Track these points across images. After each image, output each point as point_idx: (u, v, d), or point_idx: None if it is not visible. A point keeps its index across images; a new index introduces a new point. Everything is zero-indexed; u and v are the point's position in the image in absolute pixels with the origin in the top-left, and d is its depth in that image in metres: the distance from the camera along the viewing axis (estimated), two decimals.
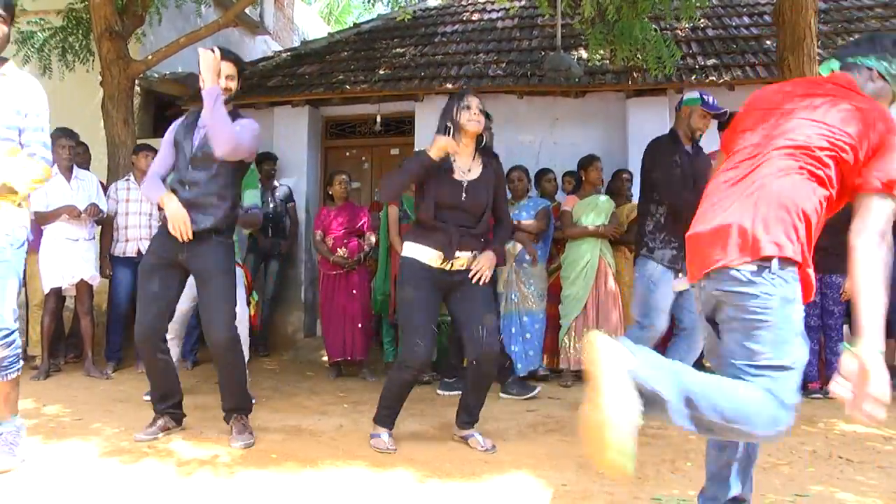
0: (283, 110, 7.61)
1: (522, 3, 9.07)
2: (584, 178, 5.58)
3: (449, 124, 3.37)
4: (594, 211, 5.31)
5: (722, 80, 6.51)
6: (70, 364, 5.58)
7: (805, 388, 4.76)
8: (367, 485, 2.79)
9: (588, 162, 5.55)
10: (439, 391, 4.87)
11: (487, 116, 3.49)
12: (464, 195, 3.35)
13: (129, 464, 2.96)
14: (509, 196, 5.62)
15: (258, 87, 7.83)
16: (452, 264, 3.34)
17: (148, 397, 3.99)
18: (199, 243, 3.34)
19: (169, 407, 3.52)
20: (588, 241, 5.28)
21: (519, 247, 5.38)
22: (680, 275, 3.87)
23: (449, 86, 7.11)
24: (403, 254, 3.43)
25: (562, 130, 7.13)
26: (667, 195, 3.94)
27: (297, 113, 7.55)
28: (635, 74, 6.84)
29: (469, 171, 3.41)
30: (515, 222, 5.41)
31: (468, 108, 3.36)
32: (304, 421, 3.85)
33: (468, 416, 3.46)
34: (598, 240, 5.28)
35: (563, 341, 5.29)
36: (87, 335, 5.29)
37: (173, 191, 3.36)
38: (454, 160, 3.39)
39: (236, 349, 3.41)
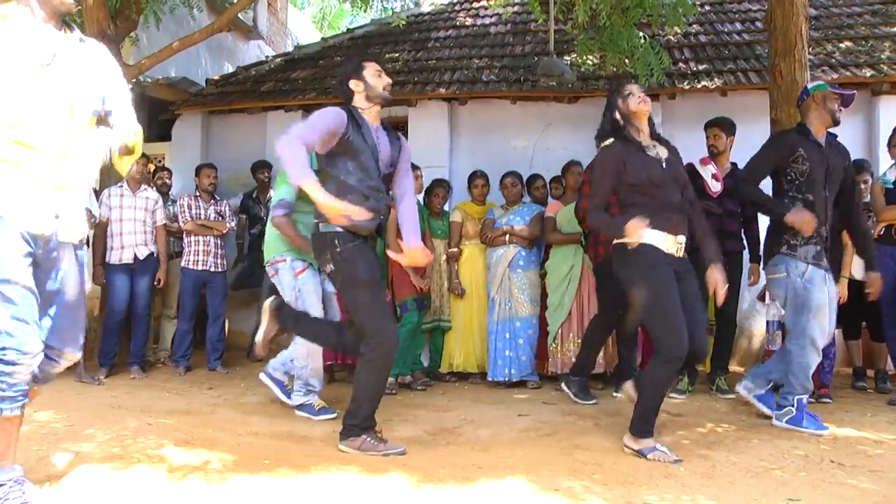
0: (276, 115, 7.61)
1: (515, 8, 9.10)
2: (564, 184, 5.61)
3: (618, 117, 3.40)
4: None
5: (714, 86, 6.54)
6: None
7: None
8: (360, 491, 2.78)
9: (566, 168, 5.58)
10: (568, 390, 4.74)
11: None
12: (663, 167, 3.33)
13: (121, 470, 2.94)
14: (503, 202, 5.66)
15: (251, 92, 7.84)
16: (680, 248, 3.29)
17: (329, 415, 4.03)
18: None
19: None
20: (571, 248, 5.29)
21: (513, 251, 5.40)
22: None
23: (442, 90, 7.13)
24: (642, 241, 3.22)
25: (555, 135, 7.16)
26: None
27: (291, 118, 7.55)
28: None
29: (657, 150, 3.40)
30: (509, 227, 5.43)
31: (632, 94, 3.38)
32: (296, 426, 3.84)
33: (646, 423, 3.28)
34: (579, 246, 5.28)
35: (551, 347, 5.30)
36: None
37: (360, 196, 3.26)
38: (643, 144, 3.38)
39: None
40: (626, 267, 3.32)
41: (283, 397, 4.30)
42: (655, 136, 3.48)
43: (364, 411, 3.31)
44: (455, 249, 5.64)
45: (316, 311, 4.17)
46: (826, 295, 3.82)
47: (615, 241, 3.35)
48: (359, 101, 3.40)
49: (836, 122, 3.95)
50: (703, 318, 3.33)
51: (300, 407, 4.17)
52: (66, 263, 2.47)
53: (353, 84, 3.39)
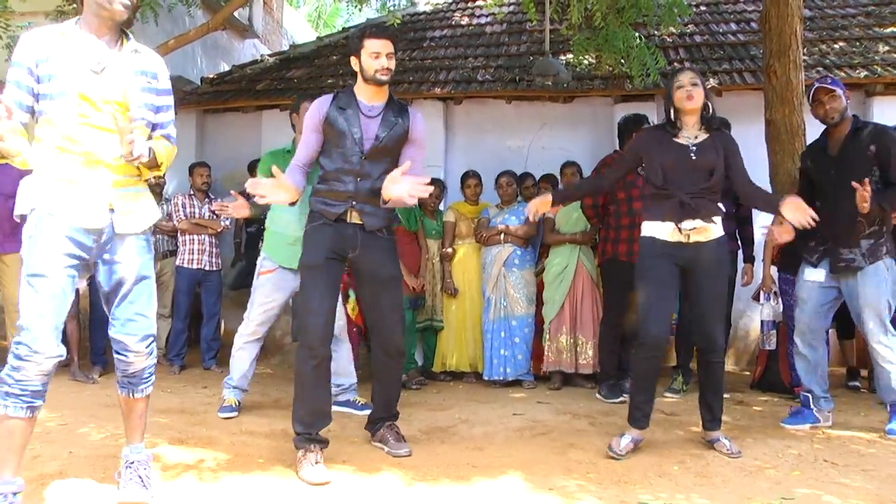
0: (271, 114, 7.60)
1: (511, 8, 9.10)
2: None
3: (669, 107, 3.38)
4: (574, 218, 5.31)
5: (709, 86, 6.54)
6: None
7: (792, 392, 4.79)
8: (353, 489, 2.78)
9: (561, 169, 5.60)
10: (599, 396, 4.78)
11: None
12: (692, 156, 3.30)
13: (115, 469, 2.94)
14: (498, 201, 5.67)
15: (246, 90, 7.82)
16: (689, 235, 3.27)
17: (229, 414, 4.03)
18: (373, 241, 3.24)
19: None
20: (566, 247, 5.29)
21: (508, 250, 5.40)
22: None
23: (437, 90, 7.13)
24: (642, 234, 3.39)
25: (550, 135, 7.16)
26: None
27: (286, 117, 7.46)
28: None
29: (696, 138, 3.36)
30: (504, 227, 5.44)
31: (680, 87, 3.32)
32: (290, 425, 3.83)
33: (710, 414, 3.42)
34: (576, 246, 5.28)
35: (544, 344, 5.31)
36: (73, 339, 5.24)
37: (333, 181, 3.20)
38: (679, 128, 3.37)
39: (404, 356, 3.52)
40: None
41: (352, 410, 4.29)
42: (706, 122, 3.38)
43: (296, 414, 3.15)
44: (448, 249, 5.64)
45: (260, 312, 4.13)
46: (807, 290, 3.91)
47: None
48: (358, 79, 3.29)
49: (826, 123, 3.91)
50: (716, 309, 3.36)
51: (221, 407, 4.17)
52: (122, 255, 2.52)
53: (353, 61, 3.27)
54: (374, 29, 3.24)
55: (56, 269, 2.36)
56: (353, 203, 3.18)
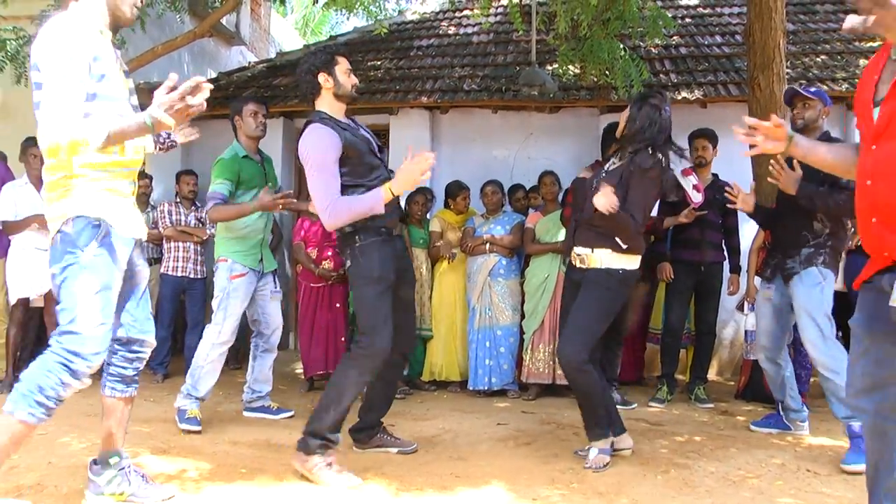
0: None
1: (498, 18, 9.15)
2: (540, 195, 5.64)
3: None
4: (555, 227, 5.30)
5: (694, 98, 6.61)
6: None
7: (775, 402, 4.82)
8: (338, 500, 2.77)
9: (539, 178, 5.61)
10: None
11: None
12: (593, 187, 3.35)
13: None
14: (483, 210, 5.67)
15: (233, 97, 7.79)
16: (577, 259, 3.45)
17: (192, 426, 3.85)
18: (406, 251, 3.50)
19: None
20: (547, 257, 5.28)
21: (493, 259, 5.40)
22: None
23: (424, 99, 7.14)
24: (616, 265, 3.33)
25: (536, 145, 7.20)
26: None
27: (272, 125, 7.44)
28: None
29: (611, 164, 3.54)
30: (489, 236, 5.44)
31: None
32: (274, 435, 3.82)
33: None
34: (557, 256, 5.27)
35: (524, 355, 5.30)
36: None
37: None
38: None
39: None
40: None
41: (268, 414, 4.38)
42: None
43: (329, 419, 3.04)
44: (455, 251, 5.56)
45: (234, 317, 4.06)
46: (761, 306, 3.98)
47: None
48: (325, 98, 3.21)
49: (795, 128, 3.87)
50: (572, 321, 3.38)
51: (178, 411, 3.99)
52: (137, 259, 2.62)
53: (322, 78, 3.17)
54: (341, 47, 3.34)
55: (119, 281, 2.46)
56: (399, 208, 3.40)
